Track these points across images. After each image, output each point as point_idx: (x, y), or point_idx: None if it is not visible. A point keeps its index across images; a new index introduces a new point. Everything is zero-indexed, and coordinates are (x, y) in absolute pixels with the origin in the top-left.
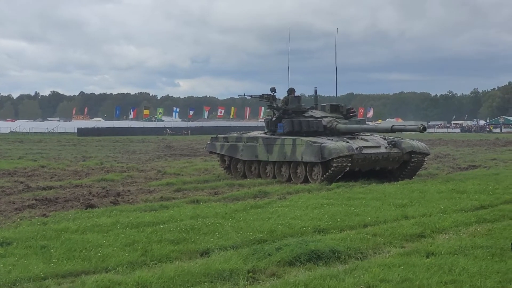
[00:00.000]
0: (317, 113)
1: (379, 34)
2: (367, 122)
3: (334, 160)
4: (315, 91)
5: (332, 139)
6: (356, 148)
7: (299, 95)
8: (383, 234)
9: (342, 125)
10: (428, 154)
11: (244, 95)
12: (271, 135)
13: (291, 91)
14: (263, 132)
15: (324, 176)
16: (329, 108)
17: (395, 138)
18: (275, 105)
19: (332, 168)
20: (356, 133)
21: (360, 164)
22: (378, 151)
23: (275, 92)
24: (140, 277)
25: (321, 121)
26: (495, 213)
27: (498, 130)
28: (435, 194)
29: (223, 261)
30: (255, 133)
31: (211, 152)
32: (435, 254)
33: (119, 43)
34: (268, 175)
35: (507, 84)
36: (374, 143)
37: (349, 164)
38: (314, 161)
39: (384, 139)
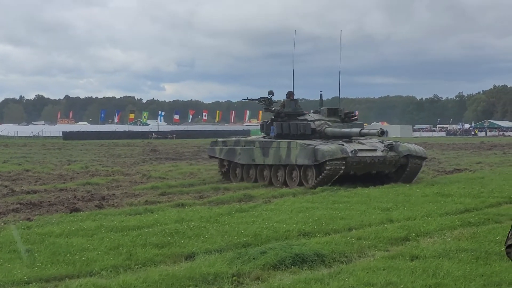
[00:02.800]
0: (313, 117)
1: (365, 38)
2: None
3: (327, 162)
4: (320, 95)
5: (327, 142)
6: (352, 151)
7: (297, 98)
8: (368, 237)
9: (330, 128)
10: (425, 158)
11: (247, 99)
12: (268, 138)
13: (289, 94)
14: (263, 136)
15: (318, 179)
16: (325, 111)
17: (392, 141)
18: (271, 108)
19: (325, 171)
20: (354, 137)
21: (355, 167)
22: (374, 155)
23: (273, 95)
24: (125, 281)
25: (309, 125)
26: (480, 217)
27: (483, 133)
28: (420, 197)
29: (207, 265)
30: (253, 137)
31: (211, 157)
32: (420, 258)
33: (104, 46)
34: (265, 179)
35: (492, 87)
36: (370, 147)
37: (343, 167)
38: (308, 164)
39: (382, 142)
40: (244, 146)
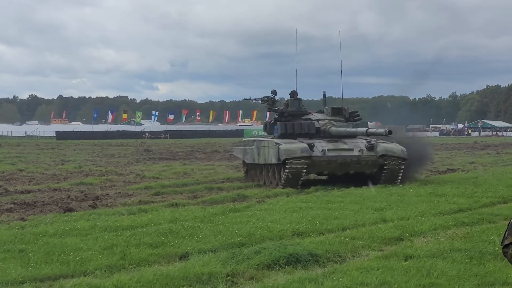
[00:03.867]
0: (317, 116)
1: (358, 38)
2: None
3: (287, 162)
4: (324, 94)
5: (302, 141)
6: (321, 150)
7: (300, 98)
8: (362, 237)
9: (334, 128)
10: (405, 159)
11: (250, 98)
12: (272, 138)
13: (293, 93)
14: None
15: (283, 179)
16: (329, 111)
17: (375, 141)
18: (275, 108)
19: (285, 170)
20: (356, 136)
21: (326, 167)
22: (347, 154)
23: (276, 95)
24: (119, 281)
25: (314, 124)
26: (474, 217)
27: (476, 133)
28: (414, 197)
29: (201, 265)
30: (260, 137)
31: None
32: (414, 257)
33: (97, 46)
34: (263, 179)
35: (485, 88)
36: (350, 146)
37: (305, 166)
38: (275, 163)
39: (368, 142)
40: (251, 146)
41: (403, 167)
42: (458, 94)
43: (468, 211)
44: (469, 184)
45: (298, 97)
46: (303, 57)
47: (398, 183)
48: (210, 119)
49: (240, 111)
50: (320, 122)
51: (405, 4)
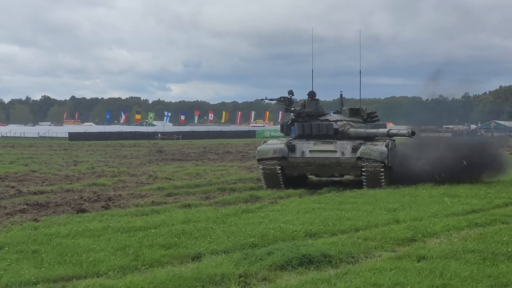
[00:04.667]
0: (335, 117)
1: (371, 38)
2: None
3: (260, 162)
4: (341, 95)
5: (288, 142)
6: (301, 152)
7: (318, 99)
8: (375, 238)
9: (353, 129)
10: (381, 162)
11: (266, 99)
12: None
13: (311, 94)
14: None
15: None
16: (347, 111)
17: (362, 143)
18: (292, 108)
19: (260, 171)
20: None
21: (305, 169)
22: (325, 156)
23: (293, 95)
24: (132, 282)
25: (332, 125)
26: (487, 217)
27: (489, 134)
28: (427, 198)
29: (214, 266)
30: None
31: None
32: (427, 258)
33: (110, 47)
34: None
35: (498, 88)
36: (333, 148)
37: (278, 167)
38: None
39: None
40: None
41: (382, 170)
42: (471, 94)
43: (481, 212)
44: (482, 184)
45: (316, 97)
46: (316, 58)
47: (383, 186)
48: (223, 120)
49: (253, 112)
50: (338, 123)
51: (418, 4)
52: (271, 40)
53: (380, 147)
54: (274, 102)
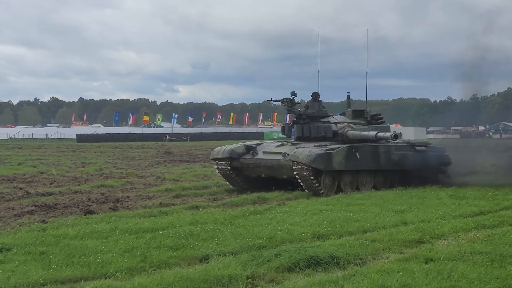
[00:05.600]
0: (337, 119)
1: (379, 40)
2: None
3: (213, 161)
4: (348, 96)
5: (251, 144)
6: (251, 152)
7: (321, 100)
8: (382, 240)
9: (352, 131)
10: (306, 165)
11: (271, 100)
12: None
13: (314, 95)
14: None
15: None
16: (350, 113)
17: (319, 145)
18: (294, 110)
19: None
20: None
21: (254, 170)
22: (269, 158)
23: (295, 96)
24: (139, 283)
25: (330, 127)
26: (495, 219)
27: (497, 136)
28: (434, 200)
29: (222, 267)
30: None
31: None
32: (434, 260)
33: (118, 48)
34: None
35: (506, 90)
36: (283, 151)
37: (228, 167)
38: None
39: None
40: None
41: (311, 174)
42: (479, 96)
43: (489, 214)
44: (489, 186)
45: (319, 99)
46: (323, 59)
47: (323, 194)
48: (231, 122)
49: (261, 113)
50: (338, 125)
51: (426, 6)
52: (279, 41)
53: (314, 149)
54: (279, 103)
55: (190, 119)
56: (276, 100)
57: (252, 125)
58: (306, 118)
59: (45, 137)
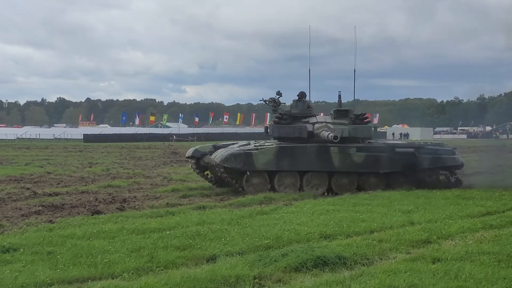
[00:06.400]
0: (317, 119)
1: (386, 40)
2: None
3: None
4: (339, 96)
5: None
6: (209, 152)
7: (307, 100)
8: (389, 240)
9: (322, 132)
10: (219, 165)
11: (262, 100)
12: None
13: (301, 95)
14: None
15: None
16: (334, 113)
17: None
18: (278, 110)
19: None
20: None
21: (210, 169)
22: (215, 158)
23: (281, 96)
24: (146, 283)
25: (305, 128)
26: (502, 219)
27: (505, 136)
28: (441, 200)
29: (229, 267)
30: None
31: None
32: (441, 260)
33: (125, 49)
34: None
35: None
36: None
37: (194, 166)
38: None
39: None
40: None
41: (225, 173)
42: (486, 96)
43: (496, 214)
44: (497, 186)
45: (306, 98)
46: (330, 59)
47: (246, 194)
48: (238, 122)
49: (268, 114)
50: (316, 125)
51: (434, 6)
52: (286, 41)
53: (233, 149)
54: (266, 103)
55: (197, 119)
56: (265, 101)
57: (259, 125)
58: (287, 118)
59: (52, 138)
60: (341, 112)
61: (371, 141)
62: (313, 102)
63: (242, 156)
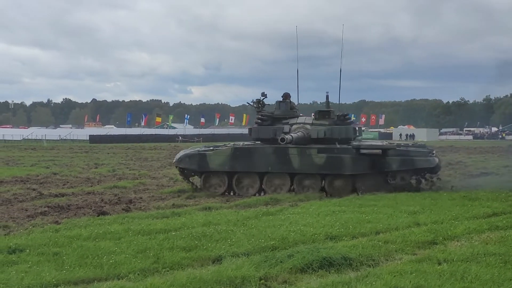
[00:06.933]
0: (296, 121)
1: (392, 40)
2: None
3: None
4: (327, 97)
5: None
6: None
7: (290, 101)
8: (395, 241)
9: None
10: (176, 166)
11: (247, 102)
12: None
13: (285, 96)
14: None
15: None
16: (316, 114)
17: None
18: (262, 111)
19: None
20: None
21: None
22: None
23: (265, 97)
24: (152, 284)
25: (281, 129)
26: (508, 220)
27: (511, 137)
28: (447, 201)
29: (235, 268)
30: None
31: None
32: (447, 261)
33: (131, 49)
34: None
35: None
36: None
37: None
38: None
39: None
40: None
41: (180, 173)
42: (492, 97)
43: (502, 215)
44: (503, 187)
45: (289, 99)
46: (336, 61)
47: (198, 190)
48: (244, 123)
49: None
50: (293, 127)
51: (440, 6)
52: (292, 42)
53: (187, 151)
54: (251, 104)
55: (203, 120)
56: (247, 103)
57: None
58: (268, 120)
59: (58, 138)
60: (322, 113)
61: (354, 142)
62: (297, 103)
63: (196, 157)
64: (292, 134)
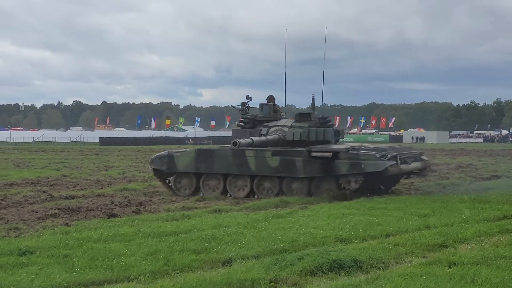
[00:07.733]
0: (281, 122)
1: (403, 43)
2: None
3: None
4: (312, 99)
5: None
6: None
7: (274, 103)
8: (405, 243)
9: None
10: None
11: (236, 106)
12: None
13: (269, 98)
14: None
15: None
16: (296, 117)
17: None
18: (246, 114)
19: None
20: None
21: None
22: None
23: (250, 100)
24: (162, 287)
25: (258, 131)
26: None
27: None
28: (457, 204)
29: (245, 271)
30: None
31: None
32: (457, 264)
33: (141, 52)
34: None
35: None
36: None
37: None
38: None
39: None
40: None
41: (154, 173)
42: (503, 100)
43: None
44: None
45: (274, 102)
46: (346, 63)
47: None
48: None
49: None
50: (271, 129)
51: (450, 9)
52: (302, 45)
53: (161, 152)
54: (237, 108)
55: (213, 122)
56: (232, 105)
57: None
58: (249, 122)
59: (68, 141)
60: (303, 115)
61: (335, 144)
62: (281, 106)
63: (165, 159)
64: (248, 139)
